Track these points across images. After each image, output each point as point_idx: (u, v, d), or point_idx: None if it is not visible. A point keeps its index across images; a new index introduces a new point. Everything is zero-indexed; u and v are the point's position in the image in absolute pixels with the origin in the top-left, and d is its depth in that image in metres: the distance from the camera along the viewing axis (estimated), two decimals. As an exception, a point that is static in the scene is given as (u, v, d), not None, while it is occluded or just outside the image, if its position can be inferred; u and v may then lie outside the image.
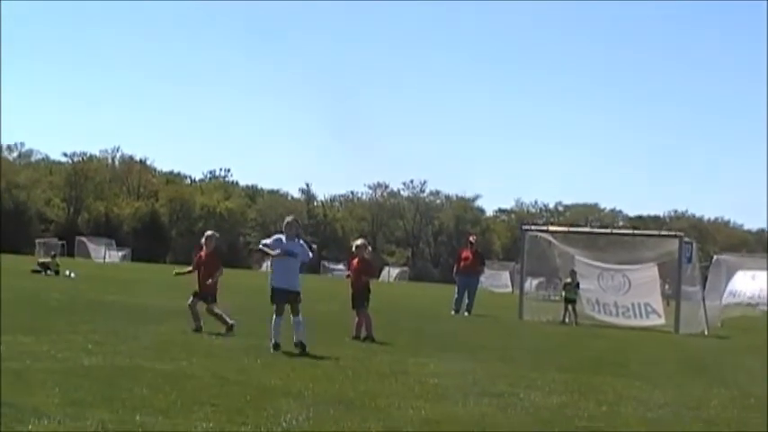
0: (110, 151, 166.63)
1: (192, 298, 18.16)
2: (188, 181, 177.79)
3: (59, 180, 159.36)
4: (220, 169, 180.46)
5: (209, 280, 18.33)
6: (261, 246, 16.46)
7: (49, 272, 43.92)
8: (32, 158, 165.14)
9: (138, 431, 8.07)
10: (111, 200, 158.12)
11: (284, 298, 15.61)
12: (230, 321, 17.89)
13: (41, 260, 49.23)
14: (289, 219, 16.31)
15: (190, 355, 13.53)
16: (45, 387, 9.66)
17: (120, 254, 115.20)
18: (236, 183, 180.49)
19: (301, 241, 16.11)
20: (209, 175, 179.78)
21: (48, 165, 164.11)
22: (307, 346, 15.03)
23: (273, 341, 15.23)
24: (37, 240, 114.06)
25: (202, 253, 18.83)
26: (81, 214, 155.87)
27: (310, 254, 16.20)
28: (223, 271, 19.08)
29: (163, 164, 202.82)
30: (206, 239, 18.98)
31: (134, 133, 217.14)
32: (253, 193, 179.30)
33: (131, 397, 9.51)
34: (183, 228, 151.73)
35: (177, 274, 18.79)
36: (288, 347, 15.04)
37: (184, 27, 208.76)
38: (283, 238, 15.89)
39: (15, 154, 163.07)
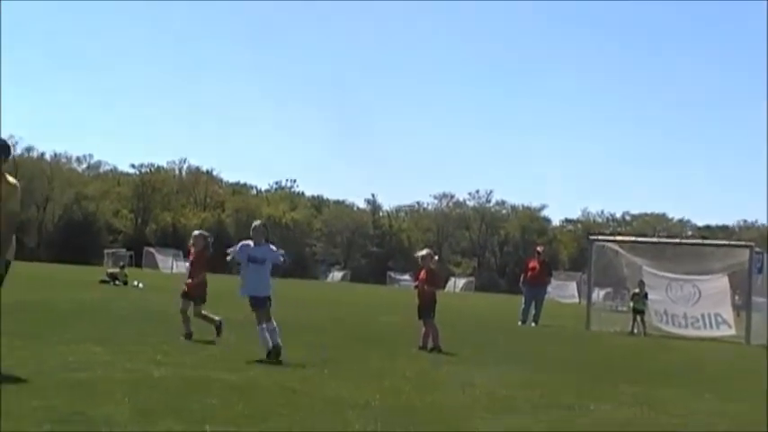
0: (177, 162, 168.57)
1: (181, 301, 17.93)
2: (254, 191, 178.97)
3: (127, 191, 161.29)
4: (286, 180, 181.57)
5: (190, 279, 18.01)
6: (228, 251, 15.71)
7: (117, 282, 44.32)
8: (101, 170, 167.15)
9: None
10: (179, 210, 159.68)
11: (256, 304, 15.10)
12: (217, 319, 17.54)
13: (110, 270, 49.73)
14: (256, 224, 15.72)
15: (255, 366, 13.58)
16: (115, 397, 9.71)
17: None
18: (302, 193, 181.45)
19: (271, 246, 15.48)
20: (275, 186, 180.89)
21: (116, 176, 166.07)
22: (280, 350, 14.61)
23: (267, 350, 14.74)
24: (105, 251, 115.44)
25: (190, 253, 18.60)
26: (149, 225, 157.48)
27: (281, 257, 15.40)
28: (205, 276, 18.26)
29: (229, 175, 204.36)
30: (194, 239, 18.56)
31: (201, 144, 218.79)
32: (318, 203, 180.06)
33: (200, 408, 9.52)
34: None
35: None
36: (295, 356, 14.97)
37: (249, 40, 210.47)
38: (251, 243, 15.36)
39: (84, 165, 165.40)
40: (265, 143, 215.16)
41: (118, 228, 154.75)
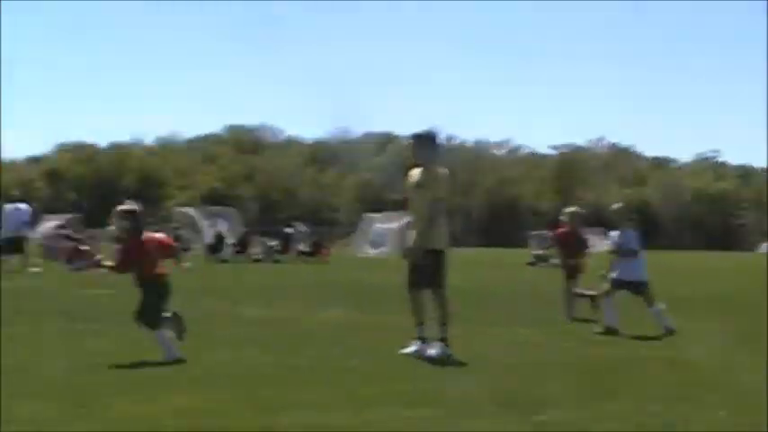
0: (595, 140, 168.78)
1: (567, 282, 17.49)
2: (676, 165, 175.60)
3: (548, 173, 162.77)
4: (709, 151, 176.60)
5: (572, 260, 17.53)
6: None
7: (543, 264, 44.84)
8: (520, 153, 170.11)
9: (651, 421, 8.03)
10: (601, 189, 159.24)
11: (623, 287, 14.83)
12: (589, 293, 16.66)
13: (535, 252, 50.43)
14: (614, 207, 15.40)
15: (686, 344, 13.30)
16: (549, 378, 9.98)
17: (604, 243, 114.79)
18: (726, 163, 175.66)
19: (630, 230, 14.94)
20: (697, 158, 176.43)
21: (536, 158, 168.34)
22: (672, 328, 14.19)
23: (606, 324, 14.54)
24: (529, 233, 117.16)
25: (565, 230, 18.04)
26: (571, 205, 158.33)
27: (633, 245, 14.78)
28: (589, 251, 17.99)
29: (649, 149, 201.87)
30: (569, 216, 18.05)
31: (618, 121, 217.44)
32: (745, 173, 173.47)
33: (634, 387, 9.54)
34: (674, 213, 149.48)
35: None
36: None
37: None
38: (617, 234, 14.97)
39: (504, 150, 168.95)
40: (685, 115, 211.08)
41: (541, 210, 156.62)
